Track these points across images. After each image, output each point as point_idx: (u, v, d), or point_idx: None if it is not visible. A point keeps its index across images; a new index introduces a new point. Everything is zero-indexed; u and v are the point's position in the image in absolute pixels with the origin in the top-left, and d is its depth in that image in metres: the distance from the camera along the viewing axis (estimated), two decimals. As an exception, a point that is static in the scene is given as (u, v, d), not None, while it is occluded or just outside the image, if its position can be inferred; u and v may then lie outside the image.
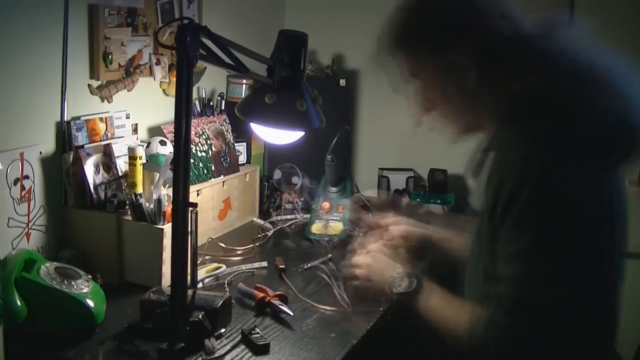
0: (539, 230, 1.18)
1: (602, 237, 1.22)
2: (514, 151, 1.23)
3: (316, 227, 2.19)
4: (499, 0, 1.35)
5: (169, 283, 1.37)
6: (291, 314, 1.59)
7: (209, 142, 2.16)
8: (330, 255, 2.00)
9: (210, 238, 2.07)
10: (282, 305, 1.61)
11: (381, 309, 1.65)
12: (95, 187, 1.79)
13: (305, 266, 1.92)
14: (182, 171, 1.32)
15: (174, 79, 1.99)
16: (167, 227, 1.70)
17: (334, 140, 2.18)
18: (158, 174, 1.76)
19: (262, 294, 1.64)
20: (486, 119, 1.35)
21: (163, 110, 2.17)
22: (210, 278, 1.80)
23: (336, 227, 2.17)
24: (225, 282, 1.78)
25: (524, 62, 1.28)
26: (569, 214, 1.18)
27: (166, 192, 1.72)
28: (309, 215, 2.27)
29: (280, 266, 1.87)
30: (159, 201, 1.72)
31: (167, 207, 1.73)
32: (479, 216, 1.35)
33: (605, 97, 1.22)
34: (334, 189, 2.25)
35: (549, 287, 1.17)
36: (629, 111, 1.24)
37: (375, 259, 1.58)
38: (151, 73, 2.10)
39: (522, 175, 1.19)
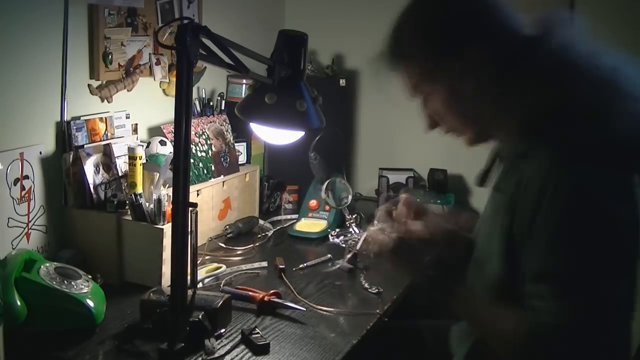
0: (578, 246, 1.15)
1: (634, 247, 1.19)
2: (536, 161, 1.19)
3: (299, 225, 2.20)
4: (507, 3, 1.30)
5: (169, 283, 1.36)
6: (303, 309, 1.61)
7: (209, 142, 2.16)
8: (329, 256, 2.00)
9: (211, 238, 2.07)
10: (286, 301, 1.62)
11: (378, 310, 1.65)
12: (95, 187, 1.79)
13: (302, 265, 1.92)
14: (182, 171, 1.32)
15: (174, 79, 1.99)
16: (167, 227, 1.70)
17: (316, 139, 2.20)
18: (158, 174, 1.76)
19: (261, 294, 1.64)
20: (498, 128, 1.31)
21: (163, 110, 2.17)
22: (210, 278, 1.80)
23: (319, 225, 2.18)
24: (221, 284, 1.77)
25: (537, 66, 1.23)
26: (605, 226, 1.15)
27: (166, 192, 1.72)
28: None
29: (280, 266, 1.87)
30: (159, 201, 1.72)
31: (167, 207, 1.73)
32: (487, 221, 1.33)
33: (627, 103, 1.18)
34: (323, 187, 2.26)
35: (590, 303, 1.14)
36: None
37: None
38: (151, 73, 2.10)
39: (552, 189, 1.15)
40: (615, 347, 1.19)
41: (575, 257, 1.15)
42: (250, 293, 1.66)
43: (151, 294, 1.53)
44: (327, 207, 2.24)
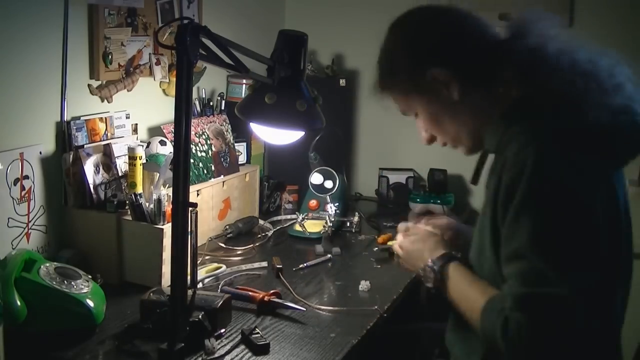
0: (536, 224, 1.17)
1: (607, 232, 1.19)
2: (510, 149, 1.23)
3: (298, 226, 2.21)
4: (470, 14, 1.38)
5: (169, 283, 1.37)
6: (303, 309, 1.61)
7: (209, 142, 2.16)
8: (329, 256, 2.00)
9: (211, 238, 2.07)
10: (286, 301, 1.61)
11: (376, 307, 1.65)
12: (95, 187, 1.79)
13: (302, 265, 1.92)
14: (182, 171, 1.32)
15: (174, 79, 1.99)
16: (167, 227, 1.70)
17: (316, 139, 2.20)
18: (158, 174, 1.76)
19: (261, 294, 1.64)
20: (484, 131, 1.36)
21: (163, 110, 2.17)
22: (210, 278, 1.80)
23: (317, 225, 2.18)
24: (220, 284, 1.77)
25: (511, 66, 1.29)
26: (565, 206, 1.17)
27: (166, 192, 1.72)
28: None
29: (278, 266, 1.87)
30: (159, 201, 1.72)
31: (167, 207, 1.73)
32: (480, 217, 1.35)
33: (602, 94, 1.22)
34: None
35: (551, 282, 1.15)
36: (630, 109, 1.23)
37: (407, 246, 1.54)
38: (151, 73, 2.10)
39: (518, 169, 1.18)
40: (583, 337, 1.17)
41: (542, 239, 1.16)
42: (250, 293, 1.66)
43: (151, 294, 1.53)
44: (327, 207, 2.24)
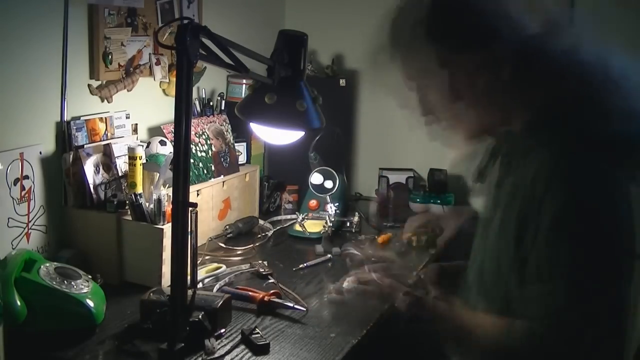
0: (572, 247, 1.14)
1: (627, 244, 1.18)
2: (536, 155, 1.19)
3: (298, 226, 2.21)
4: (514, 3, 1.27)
5: (169, 283, 1.37)
6: (303, 309, 1.60)
7: (209, 142, 2.16)
8: (329, 256, 2.00)
9: (211, 238, 2.07)
10: (287, 301, 1.61)
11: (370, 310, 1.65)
12: (95, 187, 1.79)
13: (302, 265, 1.92)
14: (182, 171, 1.32)
15: (174, 79, 1.99)
16: (167, 227, 1.70)
17: (316, 139, 2.20)
18: (158, 174, 1.76)
19: (260, 294, 1.64)
20: (501, 123, 1.30)
21: (163, 110, 2.17)
22: (210, 278, 1.80)
23: (317, 225, 2.18)
24: (218, 285, 1.76)
25: (542, 65, 1.23)
26: (604, 224, 1.15)
27: (166, 192, 1.72)
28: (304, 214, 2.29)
29: (263, 271, 1.84)
30: (159, 201, 1.72)
31: (167, 207, 1.73)
32: (486, 219, 1.33)
33: (631, 104, 1.19)
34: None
35: (580, 303, 1.13)
36: None
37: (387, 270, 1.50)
38: (151, 73, 2.10)
39: (552, 184, 1.15)
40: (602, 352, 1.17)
41: (565, 257, 1.14)
42: (250, 293, 1.66)
43: (151, 294, 1.53)
44: (327, 207, 2.24)
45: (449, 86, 1.27)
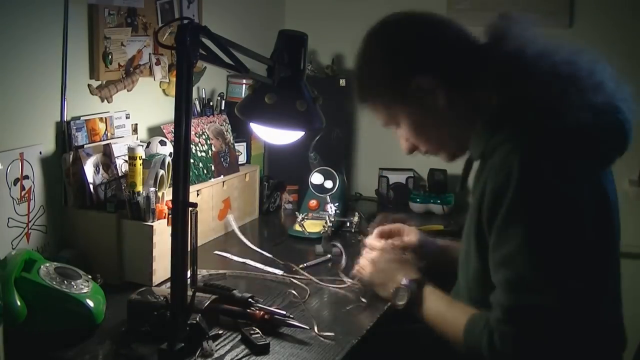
0: (524, 231, 1.16)
1: (597, 235, 1.20)
2: (495, 156, 1.23)
3: (298, 225, 2.21)
4: (446, 21, 1.39)
5: (160, 281, 1.35)
6: (306, 327, 1.50)
7: (209, 142, 2.16)
8: (329, 256, 2.00)
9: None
10: (290, 319, 1.51)
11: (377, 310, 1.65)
12: (95, 187, 1.79)
13: (302, 266, 1.92)
14: (182, 171, 1.32)
15: (174, 79, 1.99)
16: (157, 224, 1.72)
17: (316, 139, 2.20)
18: (147, 171, 1.76)
19: (260, 313, 1.52)
20: (468, 136, 1.35)
21: (163, 110, 2.17)
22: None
23: (316, 225, 2.19)
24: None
25: (491, 72, 1.29)
26: (553, 212, 1.16)
27: (155, 189, 1.73)
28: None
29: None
30: (147, 198, 1.72)
31: (159, 205, 1.74)
32: (467, 223, 1.35)
33: (582, 94, 1.22)
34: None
35: (542, 291, 1.14)
36: (617, 108, 1.23)
37: (379, 264, 1.63)
38: (151, 73, 2.10)
39: (504, 176, 1.18)
40: (570, 344, 1.17)
41: (530, 246, 1.16)
42: (248, 311, 1.53)
43: (136, 295, 1.51)
44: (327, 207, 2.24)
45: (413, 123, 1.39)
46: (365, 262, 1.68)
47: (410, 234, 1.75)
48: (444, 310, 1.38)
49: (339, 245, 1.98)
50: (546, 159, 1.18)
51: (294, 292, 1.72)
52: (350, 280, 1.76)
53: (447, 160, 1.44)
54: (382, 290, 1.60)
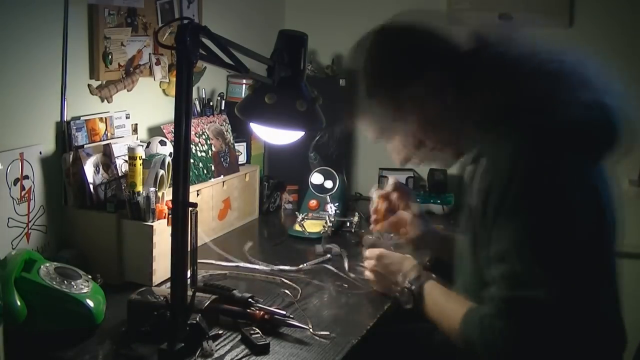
0: (519, 228, 1.17)
1: (591, 231, 1.20)
2: (488, 156, 1.24)
3: (298, 225, 2.21)
4: (429, 26, 1.41)
5: (160, 281, 1.35)
6: (307, 327, 1.50)
7: (209, 142, 2.16)
8: (329, 256, 2.00)
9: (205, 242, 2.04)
10: (290, 319, 1.51)
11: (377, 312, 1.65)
12: (95, 187, 1.79)
13: (302, 265, 1.92)
14: (182, 171, 1.32)
15: (174, 79, 1.99)
16: (157, 224, 1.71)
17: (316, 139, 2.20)
18: (147, 171, 1.76)
19: (260, 313, 1.52)
20: (465, 139, 1.37)
21: (163, 110, 2.17)
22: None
23: (316, 225, 2.19)
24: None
25: (492, 72, 1.30)
26: (548, 209, 1.17)
27: (155, 189, 1.73)
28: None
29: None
30: (147, 198, 1.72)
31: (159, 205, 1.74)
32: (467, 221, 1.35)
33: (570, 91, 1.23)
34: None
35: (536, 286, 1.15)
36: (606, 104, 1.24)
37: (377, 274, 1.67)
38: (151, 73, 2.10)
39: (497, 175, 1.20)
40: (566, 340, 1.17)
41: (525, 242, 1.17)
42: (248, 311, 1.54)
43: (136, 295, 1.51)
44: (327, 207, 2.24)
45: (408, 134, 1.41)
46: (368, 273, 1.72)
47: (411, 227, 1.76)
48: (443, 303, 1.39)
49: (336, 246, 2.00)
50: (538, 156, 1.19)
51: (286, 291, 1.72)
52: (353, 275, 1.80)
53: (444, 166, 1.47)
54: (390, 294, 1.64)
